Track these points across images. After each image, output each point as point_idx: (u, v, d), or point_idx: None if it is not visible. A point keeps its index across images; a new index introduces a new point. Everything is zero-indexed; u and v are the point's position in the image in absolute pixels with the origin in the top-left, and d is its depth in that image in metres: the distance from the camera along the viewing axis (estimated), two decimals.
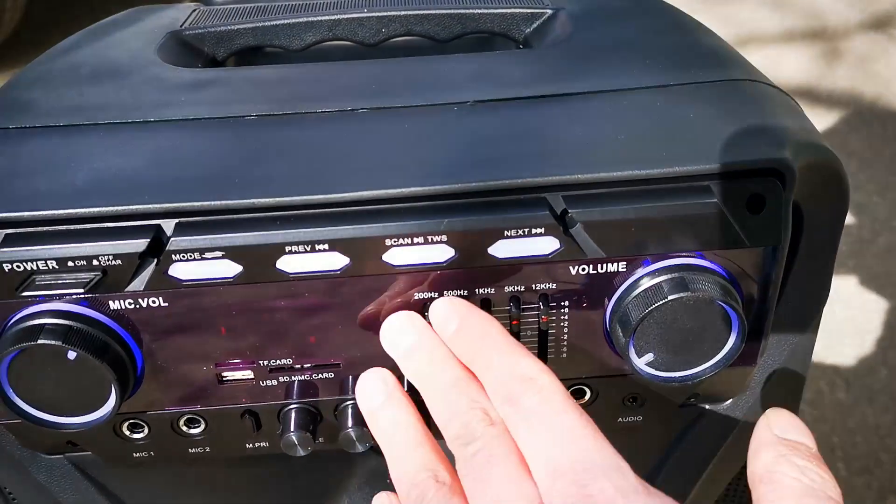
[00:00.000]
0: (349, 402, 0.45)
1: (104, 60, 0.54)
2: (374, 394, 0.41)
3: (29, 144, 0.44)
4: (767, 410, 0.39)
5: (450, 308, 0.40)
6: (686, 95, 0.46)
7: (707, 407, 0.50)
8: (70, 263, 0.39)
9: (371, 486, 0.61)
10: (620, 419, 0.47)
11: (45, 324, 0.39)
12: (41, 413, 0.42)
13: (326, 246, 0.39)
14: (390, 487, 0.61)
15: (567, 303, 0.42)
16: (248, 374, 0.44)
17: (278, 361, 0.43)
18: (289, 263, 0.40)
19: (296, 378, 0.44)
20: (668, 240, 0.40)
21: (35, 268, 0.39)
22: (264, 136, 0.44)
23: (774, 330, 0.47)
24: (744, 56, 0.52)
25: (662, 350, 0.42)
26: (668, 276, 0.41)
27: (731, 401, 0.50)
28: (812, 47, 2.54)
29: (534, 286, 0.41)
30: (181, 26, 0.60)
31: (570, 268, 0.41)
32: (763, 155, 0.40)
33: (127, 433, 0.45)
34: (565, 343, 0.43)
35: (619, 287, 0.42)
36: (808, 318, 0.48)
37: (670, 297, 0.40)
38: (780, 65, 2.45)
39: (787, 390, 0.50)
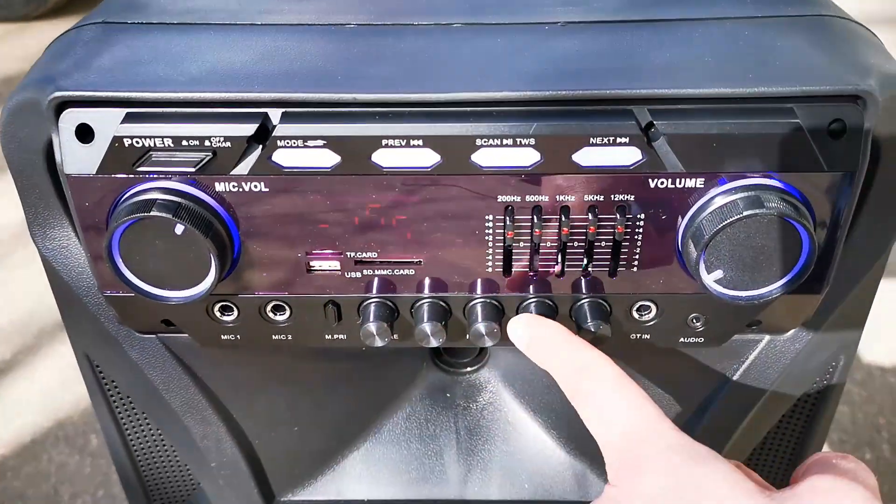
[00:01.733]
0: (426, 300, 0.48)
1: None
2: None
3: (147, 37, 0.47)
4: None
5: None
6: (772, 26, 0.47)
7: (767, 337, 0.52)
8: (184, 143, 0.42)
9: (432, 398, 0.64)
10: (682, 339, 0.49)
11: (157, 199, 0.43)
12: (146, 285, 0.45)
13: (420, 142, 0.42)
14: (449, 401, 0.64)
15: (643, 215, 0.44)
16: (335, 264, 0.46)
17: (364, 254, 0.46)
18: (384, 157, 0.42)
19: (378, 272, 0.47)
20: (747, 158, 0.42)
21: (152, 144, 0.42)
22: (364, 42, 0.46)
23: (841, 264, 0.48)
24: None
25: (732, 268, 0.44)
26: (744, 193, 0.42)
27: (792, 332, 0.52)
28: None
29: (612, 196, 0.43)
30: None
31: (650, 181, 0.43)
32: (848, 83, 0.41)
33: (218, 315, 0.49)
34: (637, 256, 0.45)
35: (694, 204, 0.43)
36: (875, 253, 0.49)
37: (745, 213, 0.41)
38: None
39: (848, 326, 0.52)
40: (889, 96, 0.42)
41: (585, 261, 0.46)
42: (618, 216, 0.44)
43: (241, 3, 0.52)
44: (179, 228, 0.43)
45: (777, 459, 0.58)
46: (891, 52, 0.48)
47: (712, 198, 0.43)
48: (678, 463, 0.38)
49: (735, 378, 0.53)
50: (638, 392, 0.42)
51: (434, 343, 0.48)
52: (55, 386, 1.45)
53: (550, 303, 0.48)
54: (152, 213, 0.42)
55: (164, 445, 0.60)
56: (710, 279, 0.44)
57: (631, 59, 0.44)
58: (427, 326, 0.47)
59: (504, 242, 0.45)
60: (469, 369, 0.64)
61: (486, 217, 0.44)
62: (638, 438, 0.40)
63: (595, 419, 0.42)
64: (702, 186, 0.43)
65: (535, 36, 0.47)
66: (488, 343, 0.48)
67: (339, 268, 0.47)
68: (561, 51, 0.45)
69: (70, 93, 0.42)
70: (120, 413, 0.58)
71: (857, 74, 0.42)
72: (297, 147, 0.42)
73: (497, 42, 0.46)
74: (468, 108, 0.42)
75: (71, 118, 0.42)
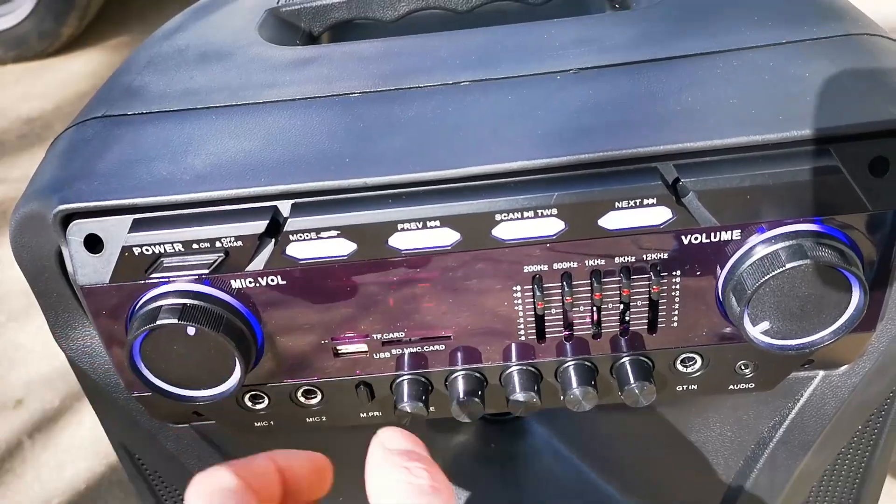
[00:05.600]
0: (459, 373, 0.46)
1: (209, 41, 0.55)
2: None
3: (147, 130, 0.45)
4: (380, 431, 0.38)
5: None
6: (799, 53, 0.44)
7: (822, 373, 0.49)
8: (195, 245, 0.40)
9: (477, 450, 0.62)
10: (732, 386, 0.47)
11: (175, 303, 0.41)
12: (172, 387, 0.44)
13: (437, 223, 0.40)
14: (494, 452, 0.62)
15: (679, 272, 0.42)
16: (362, 346, 0.45)
17: (391, 334, 0.44)
18: (401, 240, 0.40)
19: (408, 350, 0.45)
20: (784, 206, 0.39)
21: (162, 251, 0.41)
22: (370, 113, 0.45)
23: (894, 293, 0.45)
24: (855, 6, 0.50)
25: (778, 318, 0.41)
26: (785, 243, 0.40)
27: (847, 366, 0.49)
28: None
29: (645, 256, 0.41)
30: (278, 3, 0.61)
31: (683, 237, 0.40)
32: (887, 115, 0.38)
33: (249, 404, 0.48)
34: (676, 312, 0.43)
35: (732, 255, 0.41)
36: None
37: (788, 265, 0.39)
38: (878, 3, 2.32)
39: None
40: None
41: (622, 321, 0.44)
42: (652, 276, 0.42)
43: (242, 76, 0.50)
44: (191, 330, 0.41)
45: (838, 495, 0.56)
46: None
47: (752, 247, 0.40)
48: None
49: (791, 416, 0.51)
50: None
51: (471, 418, 0.46)
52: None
53: (590, 364, 0.46)
54: (158, 323, 0.41)
55: None
56: (756, 331, 0.42)
57: (650, 107, 0.42)
58: (464, 402, 0.45)
59: (535, 312, 0.43)
60: (511, 416, 0.63)
61: (514, 288, 0.42)
62: None
63: None
64: (739, 238, 0.40)
65: (548, 88, 0.44)
66: (528, 412, 0.46)
67: (366, 349, 0.45)
68: (576, 104, 0.43)
69: (75, 205, 0.41)
70: (166, 500, 0.57)
71: (894, 103, 0.39)
72: (311, 239, 0.40)
73: (508, 100, 0.44)
74: (484, 182, 0.40)
75: (78, 230, 0.41)
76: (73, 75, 2.82)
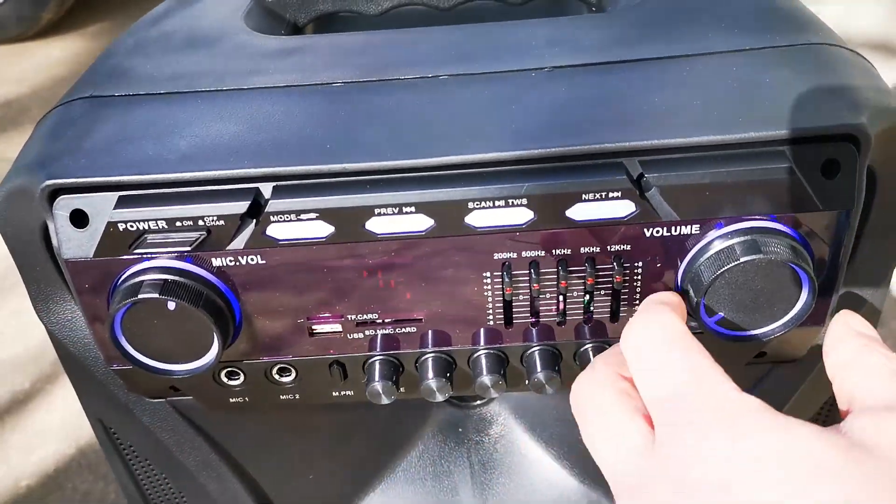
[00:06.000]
0: (430, 355, 0.48)
1: (195, 28, 0.57)
2: None
3: (135, 111, 0.47)
4: (841, 311, 0.40)
5: None
6: (761, 60, 0.46)
7: (772, 366, 0.52)
8: (178, 223, 0.42)
9: (444, 434, 0.64)
10: None
11: (156, 279, 0.43)
12: (151, 361, 0.46)
13: (413, 208, 0.42)
14: (461, 436, 0.64)
15: (640, 263, 0.44)
16: (337, 327, 0.47)
17: (365, 316, 0.46)
18: (377, 224, 0.42)
19: (380, 332, 0.47)
20: (741, 204, 0.42)
21: (146, 227, 0.42)
22: (351, 102, 0.46)
23: (844, 290, 0.48)
24: (817, 14, 0.53)
25: (733, 310, 0.44)
26: (741, 238, 0.42)
27: (797, 362, 0.51)
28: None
29: (609, 247, 0.43)
30: None
31: (645, 230, 0.43)
32: (839, 120, 0.41)
33: (225, 380, 0.49)
34: (637, 300, 0.45)
35: (691, 249, 0.43)
36: (878, 279, 0.49)
37: (742, 259, 0.41)
38: (854, 17, 2.37)
39: None
40: (881, 130, 0.42)
41: (586, 310, 0.46)
42: (615, 266, 0.44)
43: (228, 63, 0.52)
44: (171, 305, 0.43)
45: None
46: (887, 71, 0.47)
47: (710, 242, 0.43)
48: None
49: None
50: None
51: (440, 398, 0.48)
52: (74, 413, 1.46)
53: (554, 350, 0.48)
54: (140, 297, 0.42)
55: (185, 502, 0.60)
56: (712, 321, 0.44)
57: (619, 106, 0.44)
58: (432, 382, 0.47)
59: (503, 297, 0.45)
60: (479, 402, 0.65)
61: (484, 274, 0.44)
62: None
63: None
64: (698, 232, 0.43)
65: (523, 85, 0.46)
66: (493, 394, 0.48)
67: (340, 330, 0.47)
68: (549, 101, 0.45)
69: (62, 180, 0.42)
70: (139, 474, 0.58)
71: (848, 109, 0.42)
72: (291, 220, 0.42)
73: (484, 94, 0.46)
74: (459, 171, 0.42)
75: (64, 205, 0.42)
76: (51, 60, 2.80)
